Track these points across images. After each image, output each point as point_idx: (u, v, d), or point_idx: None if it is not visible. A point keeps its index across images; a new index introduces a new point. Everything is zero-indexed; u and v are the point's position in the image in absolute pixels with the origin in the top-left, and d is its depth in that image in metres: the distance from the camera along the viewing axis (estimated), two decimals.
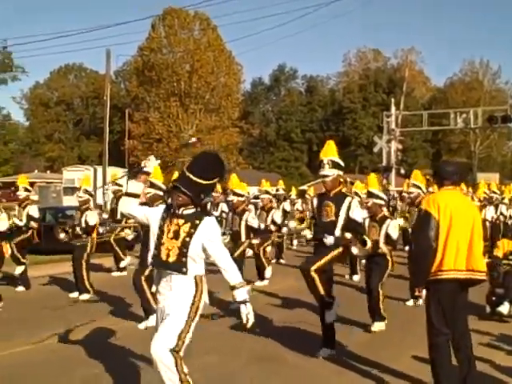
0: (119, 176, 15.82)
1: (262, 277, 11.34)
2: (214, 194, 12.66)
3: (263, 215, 11.81)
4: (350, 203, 6.40)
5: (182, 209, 4.20)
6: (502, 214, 14.96)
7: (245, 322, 4.13)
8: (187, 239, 4.12)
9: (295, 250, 17.09)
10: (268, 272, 11.44)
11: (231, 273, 4.21)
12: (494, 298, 8.34)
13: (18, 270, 10.71)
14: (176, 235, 4.14)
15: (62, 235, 10.21)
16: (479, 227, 5.11)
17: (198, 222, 4.15)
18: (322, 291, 6.26)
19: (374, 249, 7.62)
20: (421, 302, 8.20)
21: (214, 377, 4.39)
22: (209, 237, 4.16)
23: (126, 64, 57.30)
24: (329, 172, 6.37)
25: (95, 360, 6.17)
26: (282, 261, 14.97)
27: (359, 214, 6.53)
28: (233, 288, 4.18)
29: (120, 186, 12.52)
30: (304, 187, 25.42)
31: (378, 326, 7.58)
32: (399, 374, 5.79)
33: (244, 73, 52.03)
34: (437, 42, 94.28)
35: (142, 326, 7.62)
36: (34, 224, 10.94)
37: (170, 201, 4.34)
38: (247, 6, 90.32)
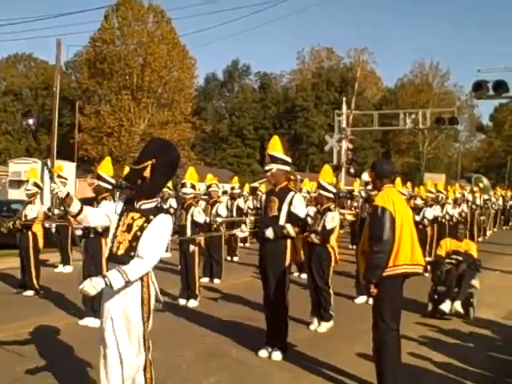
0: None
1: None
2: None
3: (208, 209, 11.65)
4: (292, 198, 6.32)
5: (140, 202, 4.11)
6: (447, 213, 15.30)
7: (81, 286, 3.81)
8: (138, 233, 4.01)
9: (248, 247, 16.93)
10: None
11: (133, 265, 3.92)
12: (436, 296, 8.54)
13: None
14: (129, 229, 4.05)
15: (3, 229, 9.86)
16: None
17: (152, 217, 4.04)
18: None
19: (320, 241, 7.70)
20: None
21: (159, 372, 4.35)
22: (155, 230, 4.00)
23: (77, 55, 56.22)
24: (269, 166, 6.34)
25: (36, 356, 6.06)
26: (235, 258, 14.98)
27: (301, 209, 6.43)
28: (118, 270, 3.88)
29: (65, 178, 12.22)
30: (255, 184, 25.47)
31: (326, 326, 7.60)
32: (341, 370, 5.88)
33: (197, 68, 51.63)
34: (389, 43, 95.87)
35: (83, 322, 7.55)
36: None
37: (118, 195, 4.26)
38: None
